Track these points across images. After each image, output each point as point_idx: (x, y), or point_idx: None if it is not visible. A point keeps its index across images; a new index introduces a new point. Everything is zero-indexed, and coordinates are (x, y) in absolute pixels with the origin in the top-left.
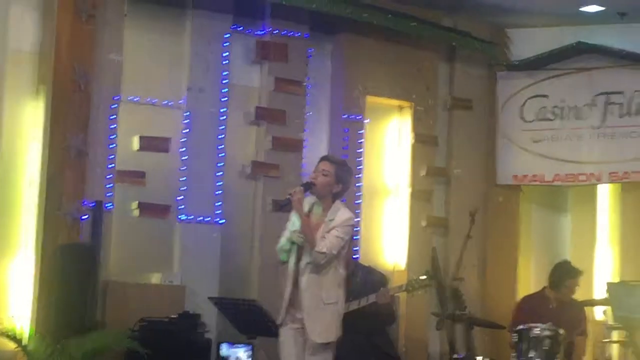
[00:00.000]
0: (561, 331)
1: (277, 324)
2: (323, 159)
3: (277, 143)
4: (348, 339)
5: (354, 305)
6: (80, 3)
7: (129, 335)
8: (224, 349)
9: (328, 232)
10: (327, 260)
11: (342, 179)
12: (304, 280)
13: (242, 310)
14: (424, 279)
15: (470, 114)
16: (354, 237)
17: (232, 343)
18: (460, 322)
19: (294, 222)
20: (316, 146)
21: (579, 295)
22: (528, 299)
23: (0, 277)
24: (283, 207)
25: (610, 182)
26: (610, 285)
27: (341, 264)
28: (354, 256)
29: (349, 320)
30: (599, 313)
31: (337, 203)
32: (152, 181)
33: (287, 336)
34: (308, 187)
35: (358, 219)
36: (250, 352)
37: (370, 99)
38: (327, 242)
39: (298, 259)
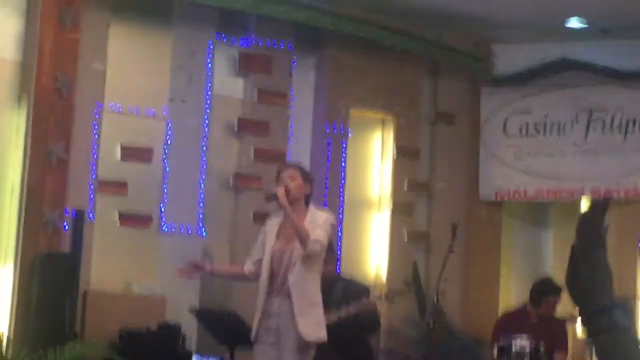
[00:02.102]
0: (542, 346)
1: (251, 341)
2: (283, 167)
3: (260, 155)
4: (328, 352)
5: (334, 317)
6: (64, 12)
7: (108, 345)
8: None
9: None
10: (315, 258)
11: (308, 178)
12: (292, 278)
13: (222, 321)
14: (402, 289)
15: (453, 128)
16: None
17: (202, 355)
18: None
19: (261, 242)
20: (299, 158)
21: (560, 311)
22: (509, 314)
23: None
24: (270, 201)
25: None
26: None
27: (320, 268)
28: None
29: (329, 332)
30: (579, 329)
31: (312, 207)
32: (133, 191)
33: (261, 352)
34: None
35: (340, 233)
36: None
37: (354, 112)
38: (318, 232)
39: (272, 266)
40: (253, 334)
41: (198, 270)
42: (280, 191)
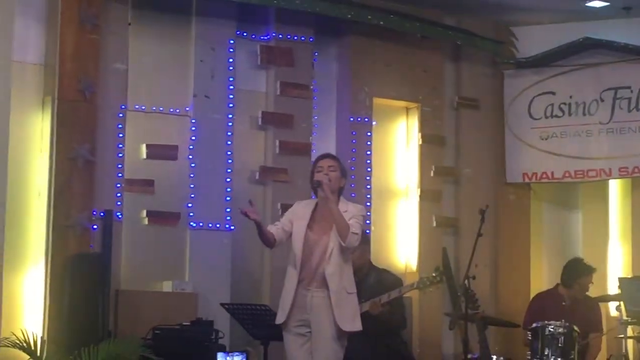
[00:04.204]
0: (576, 328)
1: (278, 325)
2: (324, 157)
3: (285, 147)
4: (362, 341)
5: (365, 307)
6: (84, 13)
7: (142, 343)
8: (220, 358)
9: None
10: (349, 249)
11: (345, 172)
12: (329, 269)
13: (255, 315)
14: (435, 276)
15: (477, 113)
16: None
17: (228, 352)
18: (474, 322)
19: (289, 219)
20: (324, 149)
21: (593, 291)
22: (541, 296)
23: (13, 288)
24: (318, 187)
25: (620, 178)
26: (622, 281)
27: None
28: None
29: (362, 323)
30: (613, 309)
31: (343, 199)
32: (161, 189)
33: (292, 341)
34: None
35: (369, 222)
36: None
37: (377, 101)
38: (355, 225)
39: (304, 255)
40: (281, 319)
41: (254, 212)
42: (326, 180)
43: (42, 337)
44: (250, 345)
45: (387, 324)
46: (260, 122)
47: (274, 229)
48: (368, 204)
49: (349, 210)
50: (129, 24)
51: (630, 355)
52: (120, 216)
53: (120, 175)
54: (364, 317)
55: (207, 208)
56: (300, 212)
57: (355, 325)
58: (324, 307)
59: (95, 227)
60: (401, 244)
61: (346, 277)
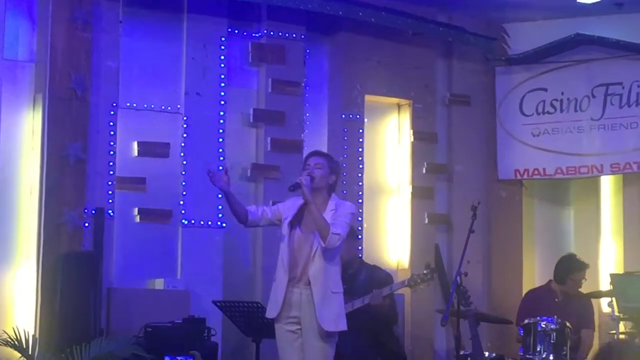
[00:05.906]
0: (568, 324)
1: (270, 322)
2: (312, 154)
3: (277, 144)
4: (354, 337)
5: (358, 304)
6: (75, 11)
7: (134, 341)
8: None
9: (334, 220)
10: (335, 249)
11: (335, 169)
12: (312, 269)
13: (247, 312)
14: (426, 273)
15: (469, 109)
16: (358, 237)
17: (173, 356)
18: (466, 318)
19: (286, 206)
20: (316, 147)
21: (584, 287)
22: (533, 293)
23: (4, 287)
24: (293, 191)
25: (611, 174)
26: (614, 277)
27: (339, 256)
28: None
29: (354, 319)
30: (605, 305)
31: (334, 197)
32: (152, 187)
33: (283, 338)
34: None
35: (361, 219)
36: None
37: (369, 98)
38: (338, 225)
39: (293, 253)
40: (272, 314)
41: (223, 179)
42: (306, 181)
43: (33, 335)
44: (242, 343)
45: (383, 316)
46: (251, 120)
47: (253, 208)
48: (360, 201)
49: (336, 208)
50: (121, 22)
51: None
52: (111, 214)
53: (111, 172)
54: (359, 311)
55: (198, 205)
56: (289, 207)
57: (339, 325)
58: (312, 305)
59: (86, 224)
60: (393, 241)
61: (331, 277)
